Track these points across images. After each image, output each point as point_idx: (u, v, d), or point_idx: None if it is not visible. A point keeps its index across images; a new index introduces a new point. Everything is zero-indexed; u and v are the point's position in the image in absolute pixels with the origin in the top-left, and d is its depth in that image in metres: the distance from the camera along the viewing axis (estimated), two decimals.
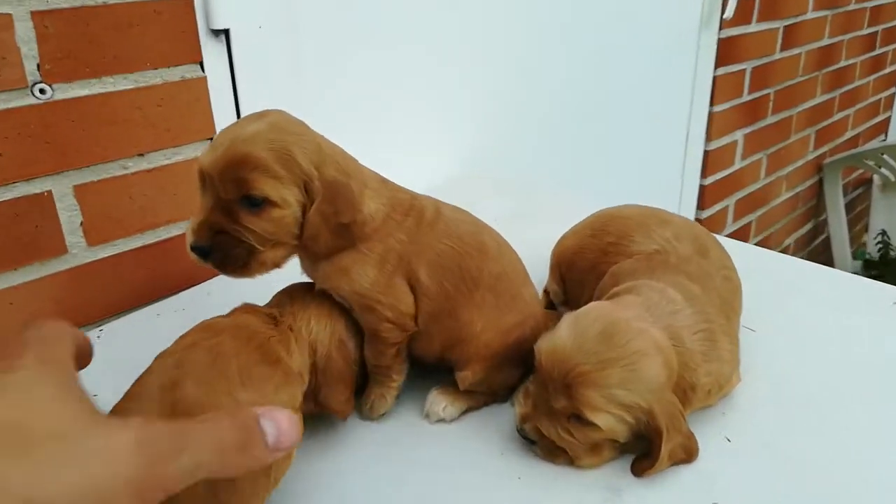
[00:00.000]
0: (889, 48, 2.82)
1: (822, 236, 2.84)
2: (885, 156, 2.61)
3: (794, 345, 0.79)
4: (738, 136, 2.06)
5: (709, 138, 1.93)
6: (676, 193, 1.91)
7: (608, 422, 0.59)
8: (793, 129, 2.32)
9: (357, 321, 0.66)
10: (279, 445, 0.37)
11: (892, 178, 2.73)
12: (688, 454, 0.62)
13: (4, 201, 0.78)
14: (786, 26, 2.05)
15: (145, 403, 0.50)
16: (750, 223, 2.30)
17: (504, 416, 0.69)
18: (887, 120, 3.06)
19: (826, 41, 2.30)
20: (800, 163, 2.46)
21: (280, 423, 0.37)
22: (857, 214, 3.04)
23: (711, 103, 1.89)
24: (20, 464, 0.30)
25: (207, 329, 0.57)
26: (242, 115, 0.83)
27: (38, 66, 0.77)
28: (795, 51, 2.16)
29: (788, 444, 0.64)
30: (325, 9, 1.04)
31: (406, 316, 0.65)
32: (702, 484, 0.60)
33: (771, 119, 2.18)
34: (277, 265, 0.63)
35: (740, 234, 2.24)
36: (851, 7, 2.37)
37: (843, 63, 2.46)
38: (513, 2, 1.33)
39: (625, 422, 0.59)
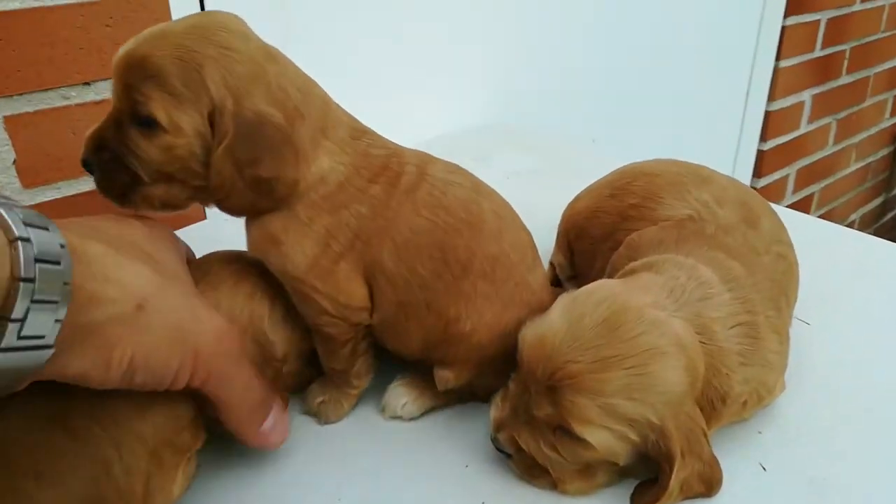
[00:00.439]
0: None
1: (893, 213, 2.71)
2: None
3: (860, 344, 0.64)
4: (806, 96, 1.92)
5: (772, 97, 1.80)
6: (730, 158, 1.79)
7: (603, 439, 0.45)
8: (868, 91, 2.18)
9: None
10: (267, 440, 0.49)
11: None
12: (707, 486, 0.47)
13: None
14: None
15: None
16: (812, 195, 2.18)
17: (478, 418, 0.56)
18: None
19: None
20: (873, 130, 2.31)
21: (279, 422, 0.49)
22: None
23: (778, 57, 1.75)
24: (152, 271, 0.41)
25: None
26: None
27: None
28: (879, 2, 2.00)
29: (843, 479, 0.50)
30: None
31: (351, 309, 0.52)
32: None
33: (844, 79, 2.04)
34: (173, 206, 0.50)
35: (800, 207, 2.12)
36: None
37: None
38: None
39: (626, 440, 0.46)
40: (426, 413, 0.56)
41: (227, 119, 0.46)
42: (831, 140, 2.11)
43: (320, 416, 0.56)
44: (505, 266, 0.53)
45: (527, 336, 0.49)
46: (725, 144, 1.76)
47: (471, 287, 0.52)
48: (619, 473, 0.49)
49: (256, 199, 0.48)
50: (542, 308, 0.52)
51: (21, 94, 0.72)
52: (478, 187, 0.56)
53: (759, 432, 0.54)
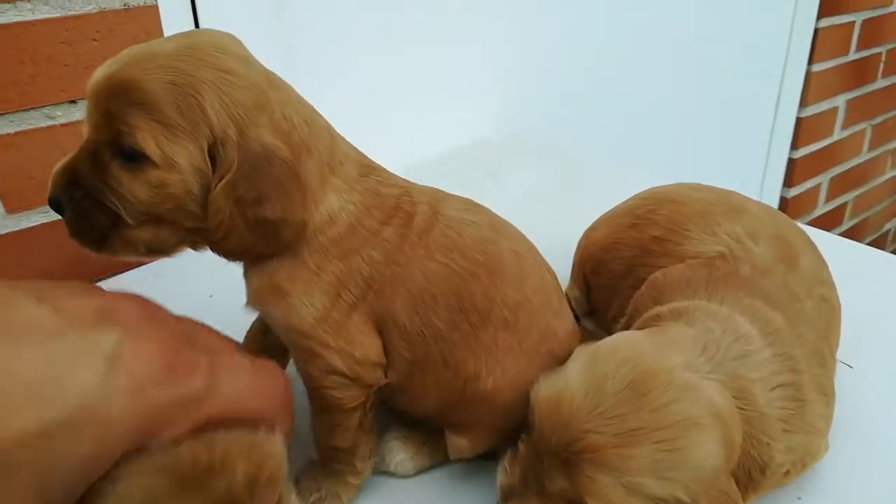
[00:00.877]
0: None
1: None
2: None
3: None
4: (840, 101, 1.86)
5: (804, 103, 1.74)
6: (760, 167, 1.72)
7: None
8: None
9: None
10: None
11: None
12: None
13: None
14: None
15: None
16: (845, 204, 2.11)
17: (483, 478, 0.50)
18: None
19: None
20: None
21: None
22: None
23: (810, 61, 1.69)
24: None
25: None
26: None
27: None
28: None
29: None
30: None
31: (366, 366, 0.46)
32: None
33: (881, 83, 1.98)
34: (160, 251, 0.45)
35: (832, 217, 2.07)
36: None
37: None
38: None
39: None
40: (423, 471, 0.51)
41: (231, 152, 0.41)
42: (866, 147, 2.05)
43: None
44: (528, 313, 0.48)
45: (541, 395, 0.43)
46: (755, 153, 1.70)
47: (490, 338, 0.47)
48: None
49: (258, 243, 0.43)
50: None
51: (2, 115, 0.68)
52: (495, 225, 0.50)
53: (799, 498, 0.49)
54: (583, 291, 0.64)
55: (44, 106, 0.70)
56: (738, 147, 1.64)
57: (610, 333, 0.58)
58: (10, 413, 0.28)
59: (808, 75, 1.70)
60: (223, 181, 0.41)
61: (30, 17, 0.67)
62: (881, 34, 1.86)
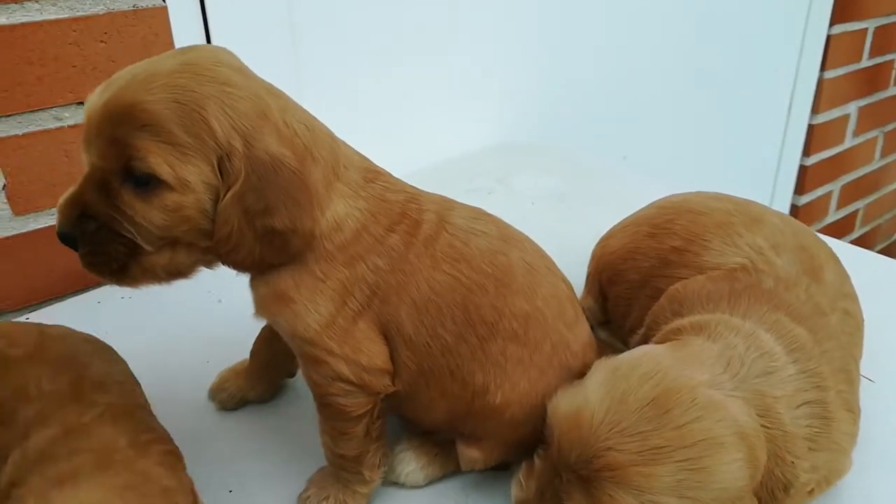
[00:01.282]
0: None
1: None
2: None
3: None
4: (852, 108, 1.84)
5: (816, 110, 1.72)
6: (771, 174, 1.71)
7: None
8: None
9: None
10: None
11: None
12: None
13: None
14: None
15: None
16: (856, 212, 2.09)
17: (497, 490, 0.49)
18: None
19: None
20: None
21: None
22: None
23: (822, 68, 1.68)
24: None
25: None
26: None
27: None
28: None
29: None
30: None
31: (372, 372, 0.45)
32: None
33: (893, 90, 1.95)
34: (177, 274, 0.44)
35: (843, 225, 2.04)
36: None
37: None
38: None
39: None
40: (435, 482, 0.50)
41: (237, 163, 0.40)
42: (878, 154, 2.03)
43: None
44: (539, 325, 0.47)
45: (560, 409, 0.42)
46: (766, 160, 1.68)
47: (499, 351, 0.46)
48: None
49: (267, 254, 0.42)
50: (587, 371, 0.45)
51: (9, 116, 0.68)
52: (505, 235, 0.49)
53: None
54: (597, 301, 0.63)
55: (51, 107, 0.70)
56: (750, 154, 1.63)
57: (626, 344, 0.57)
58: None
59: (820, 82, 1.69)
60: (230, 192, 0.40)
61: (37, 17, 0.66)
62: (894, 41, 1.84)
